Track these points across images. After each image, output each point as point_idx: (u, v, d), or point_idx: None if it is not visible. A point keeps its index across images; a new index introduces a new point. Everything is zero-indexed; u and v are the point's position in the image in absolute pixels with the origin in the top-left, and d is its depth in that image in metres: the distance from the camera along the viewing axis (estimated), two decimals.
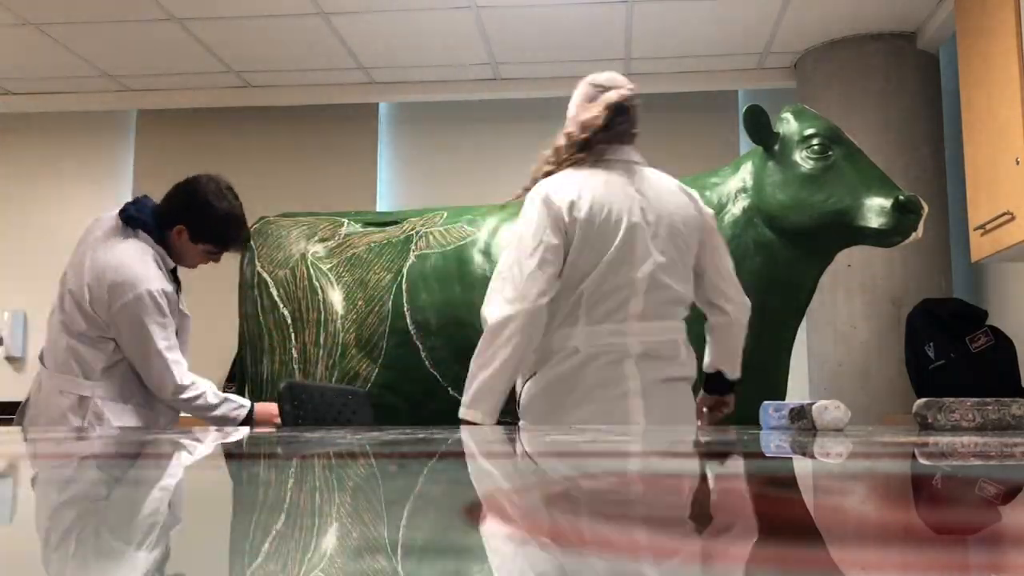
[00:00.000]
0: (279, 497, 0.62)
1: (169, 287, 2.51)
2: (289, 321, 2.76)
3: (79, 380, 2.47)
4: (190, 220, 2.54)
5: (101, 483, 0.71)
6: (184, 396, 2.48)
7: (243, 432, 1.76)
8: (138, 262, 2.47)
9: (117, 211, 2.58)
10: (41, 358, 2.61)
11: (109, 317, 2.44)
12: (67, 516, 0.52)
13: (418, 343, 3.01)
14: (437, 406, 2.91)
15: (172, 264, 2.58)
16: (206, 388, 2.53)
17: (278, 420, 2.58)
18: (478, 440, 1.33)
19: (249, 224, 2.77)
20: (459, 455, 1.05)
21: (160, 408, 2.57)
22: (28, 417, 2.55)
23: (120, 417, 2.49)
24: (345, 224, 2.89)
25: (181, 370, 2.49)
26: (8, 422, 2.81)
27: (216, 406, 2.53)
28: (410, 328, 3.00)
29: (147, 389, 2.52)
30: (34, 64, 5.02)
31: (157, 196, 2.69)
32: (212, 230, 2.56)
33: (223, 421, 2.55)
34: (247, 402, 2.60)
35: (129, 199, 2.70)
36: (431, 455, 0.99)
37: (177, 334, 2.54)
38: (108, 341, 2.47)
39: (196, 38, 4.68)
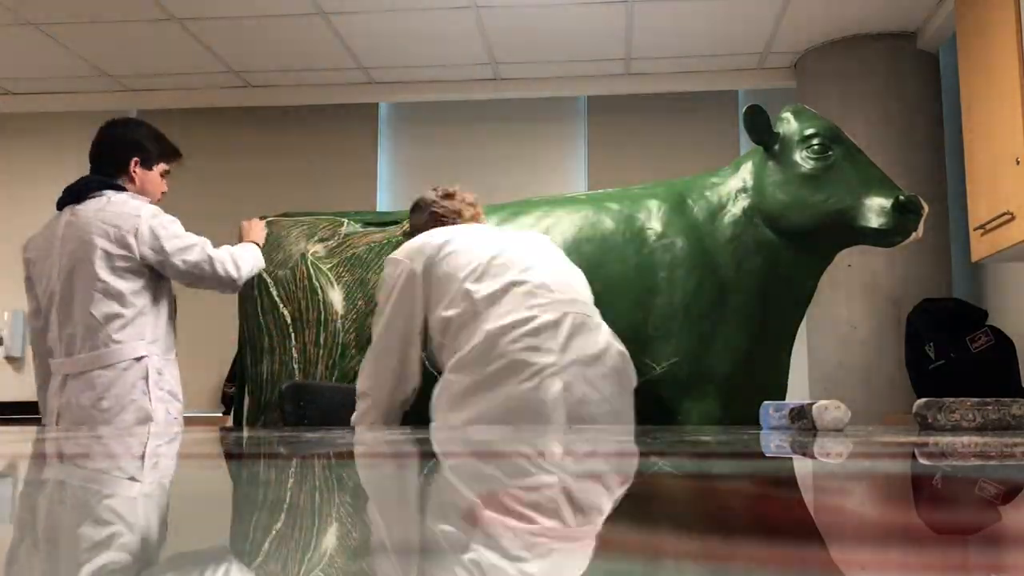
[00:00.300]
0: (277, 497, 0.62)
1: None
2: (289, 321, 2.75)
3: (134, 343, 2.61)
4: (133, 154, 2.73)
5: (87, 481, 0.71)
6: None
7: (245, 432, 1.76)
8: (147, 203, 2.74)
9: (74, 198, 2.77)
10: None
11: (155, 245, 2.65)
12: (55, 515, 0.52)
13: None
14: None
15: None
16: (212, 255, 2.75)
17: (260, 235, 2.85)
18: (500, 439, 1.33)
19: None
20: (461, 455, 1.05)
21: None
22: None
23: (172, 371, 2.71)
24: (345, 224, 2.89)
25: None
26: (8, 422, 2.81)
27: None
28: None
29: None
30: (34, 64, 5.02)
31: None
32: (156, 148, 2.78)
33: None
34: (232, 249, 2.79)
35: None
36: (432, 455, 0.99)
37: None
38: (141, 277, 2.65)
39: (196, 38, 4.68)
